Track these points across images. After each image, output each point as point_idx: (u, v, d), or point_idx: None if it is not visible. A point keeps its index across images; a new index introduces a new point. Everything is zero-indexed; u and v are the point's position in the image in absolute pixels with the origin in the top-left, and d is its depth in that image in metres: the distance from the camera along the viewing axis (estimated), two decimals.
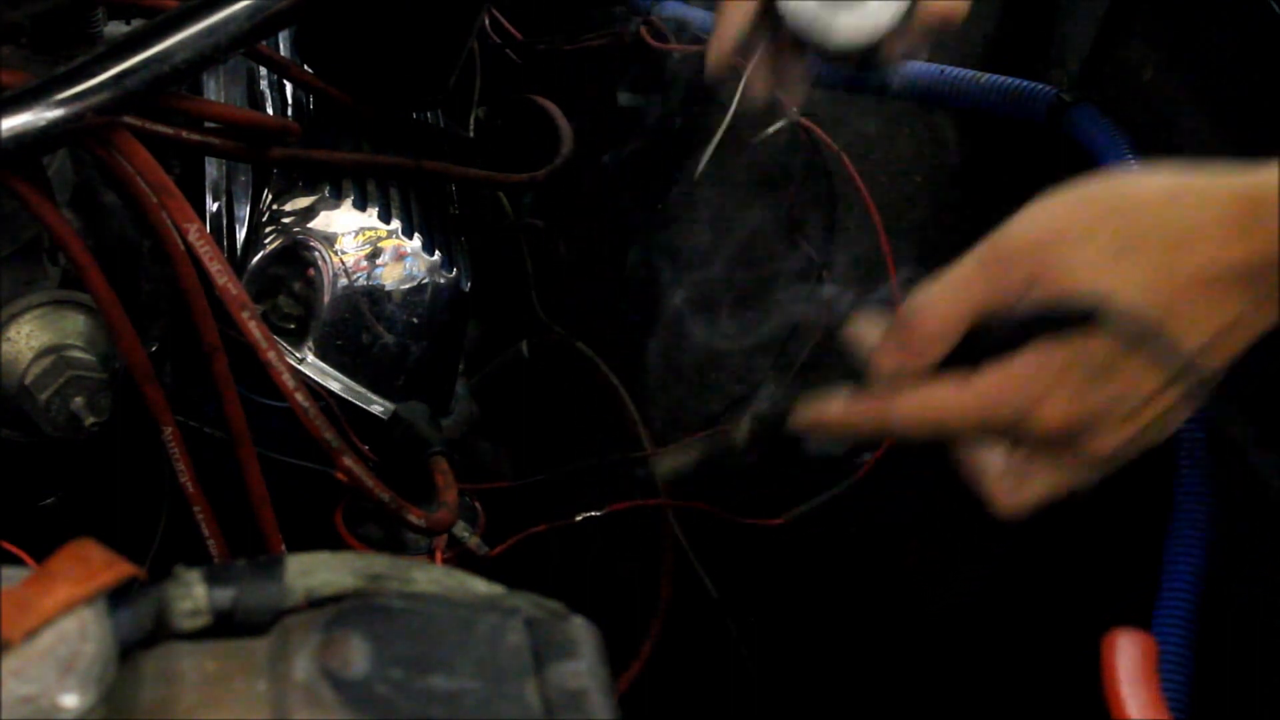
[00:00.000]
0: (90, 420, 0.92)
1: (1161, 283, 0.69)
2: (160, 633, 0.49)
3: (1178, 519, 0.87)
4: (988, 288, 0.71)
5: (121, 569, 0.49)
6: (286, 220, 1.05)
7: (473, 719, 0.48)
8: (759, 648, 1.27)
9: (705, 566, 1.26)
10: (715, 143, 1.02)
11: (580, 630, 0.52)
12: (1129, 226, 0.70)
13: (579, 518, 1.06)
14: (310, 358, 1.04)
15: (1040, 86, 1.12)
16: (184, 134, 0.96)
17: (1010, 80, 1.13)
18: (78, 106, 0.80)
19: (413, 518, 0.97)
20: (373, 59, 1.12)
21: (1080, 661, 0.73)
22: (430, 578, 0.54)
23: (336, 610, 0.50)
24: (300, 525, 0.99)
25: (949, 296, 0.71)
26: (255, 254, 1.04)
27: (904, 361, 0.73)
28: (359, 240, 1.06)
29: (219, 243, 0.97)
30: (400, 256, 1.07)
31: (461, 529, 1.09)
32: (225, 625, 0.50)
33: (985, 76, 1.16)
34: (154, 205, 0.88)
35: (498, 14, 1.49)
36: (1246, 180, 0.69)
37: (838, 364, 1.25)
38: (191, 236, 0.88)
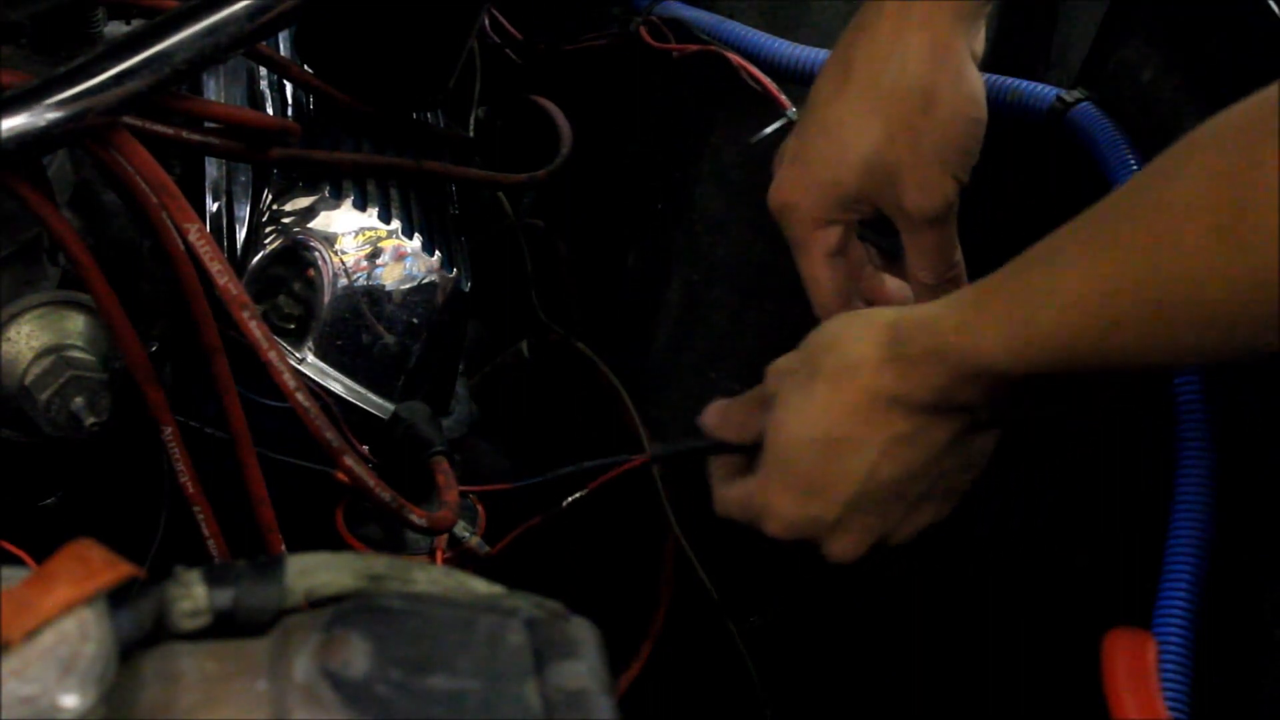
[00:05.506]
0: (90, 420, 0.92)
1: (834, 406, 0.82)
2: (160, 633, 0.49)
3: (1178, 519, 0.87)
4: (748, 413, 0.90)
5: (121, 569, 0.49)
6: (286, 220, 1.05)
7: (473, 719, 0.48)
8: (759, 648, 1.27)
9: (705, 566, 1.26)
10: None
11: (580, 630, 0.52)
12: (815, 360, 0.84)
13: (565, 502, 1.05)
14: (310, 358, 1.04)
15: (1040, 86, 1.12)
16: (184, 134, 0.96)
17: (1010, 80, 1.13)
18: (78, 106, 0.80)
19: (415, 518, 0.97)
20: (373, 59, 1.12)
21: (1080, 661, 0.73)
22: (430, 578, 0.54)
23: (336, 610, 0.50)
24: (300, 525, 0.99)
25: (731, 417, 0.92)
26: (255, 254, 1.04)
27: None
28: (359, 240, 1.06)
29: (219, 243, 0.96)
30: (400, 256, 1.07)
31: (462, 529, 1.09)
32: (225, 625, 0.50)
33: (985, 76, 1.16)
34: (154, 205, 0.88)
35: (498, 14, 1.49)
36: (899, 313, 0.83)
37: None
38: (191, 236, 0.88)
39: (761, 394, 0.90)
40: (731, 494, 0.91)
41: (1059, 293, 0.72)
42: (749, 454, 0.91)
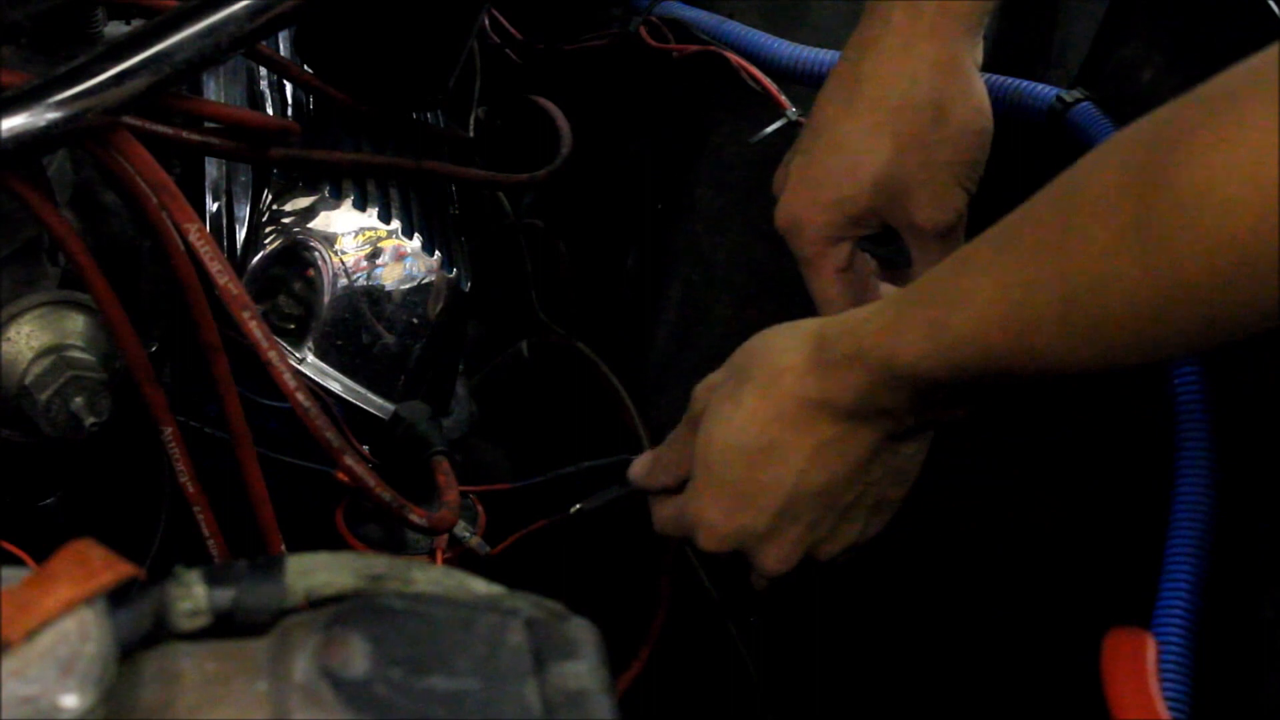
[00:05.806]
0: (90, 420, 0.92)
1: (761, 413, 0.83)
2: (160, 633, 0.49)
3: (1178, 519, 0.87)
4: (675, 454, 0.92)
5: (121, 569, 0.49)
6: (286, 220, 1.05)
7: (473, 719, 0.48)
8: (759, 648, 1.27)
9: (705, 567, 1.26)
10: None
11: (580, 631, 0.52)
12: (743, 371, 0.85)
13: (572, 509, 1.06)
14: (310, 358, 1.04)
15: (1040, 86, 1.12)
16: (184, 134, 0.96)
17: (1010, 80, 1.13)
18: (78, 106, 0.80)
19: (415, 518, 0.97)
20: (373, 59, 1.12)
21: (1080, 661, 0.73)
22: (430, 578, 0.54)
23: (336, 610, 0.50)
24: (300, 525, 0.99)
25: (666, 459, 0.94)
26: (255, 254, 1.04)
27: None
28: (359, 240, 1.06)
29: (219, 243, 0.97)
30: (400, 256, 1.07)
31: (462, 529, 1.09)
32: (225, 625, 0.50)
33: (985, 76, 1.16)
34: (154, 205, 0.88)
35: (498, 14, 1.49)
36: (825, 321, 0.83)
37: None
38: (191, 236, 0.88)
39: (689, 418, 0.90)
40: (666, 510, 0.92)
41: (973, 296, 0.72)
42: (674, 494, 0.92)
